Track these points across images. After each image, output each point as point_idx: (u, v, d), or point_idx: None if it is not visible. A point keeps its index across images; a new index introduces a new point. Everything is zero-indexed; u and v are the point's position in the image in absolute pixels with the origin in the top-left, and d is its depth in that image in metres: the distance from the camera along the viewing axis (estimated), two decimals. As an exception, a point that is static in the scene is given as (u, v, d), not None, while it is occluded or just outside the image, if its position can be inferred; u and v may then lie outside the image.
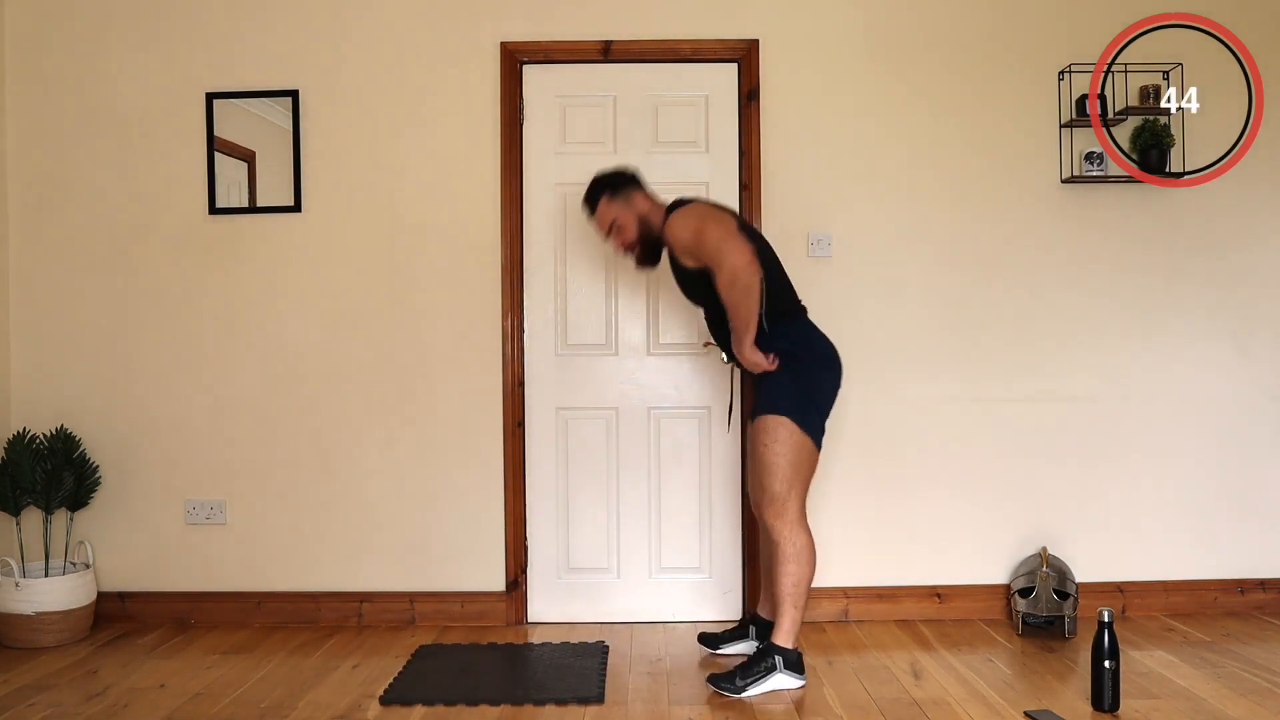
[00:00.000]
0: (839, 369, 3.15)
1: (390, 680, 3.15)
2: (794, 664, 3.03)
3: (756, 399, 3.13)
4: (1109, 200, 3.80)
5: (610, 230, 3.20)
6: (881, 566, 3.78)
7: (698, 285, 3.14)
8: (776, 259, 3.19)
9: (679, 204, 3.16)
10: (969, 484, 3.79)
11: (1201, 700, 2.91)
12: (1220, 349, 3.82)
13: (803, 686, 3.03)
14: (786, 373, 3.06)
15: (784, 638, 3.04)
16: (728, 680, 3.00)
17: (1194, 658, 3.29)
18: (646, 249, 3.21)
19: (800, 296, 3.15)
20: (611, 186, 3.19)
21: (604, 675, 3.19)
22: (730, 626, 3.59)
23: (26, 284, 3.84)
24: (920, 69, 3.79)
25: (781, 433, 3.03)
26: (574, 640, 3.54)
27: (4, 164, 3.83)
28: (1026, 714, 2.82)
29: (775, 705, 2.92)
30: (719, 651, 3.38)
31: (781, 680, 3.00)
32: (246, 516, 3.82)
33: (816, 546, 3.19)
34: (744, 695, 2.97)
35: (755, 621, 3.38)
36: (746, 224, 3.22)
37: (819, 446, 3.10)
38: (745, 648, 3.34)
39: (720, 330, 3.18)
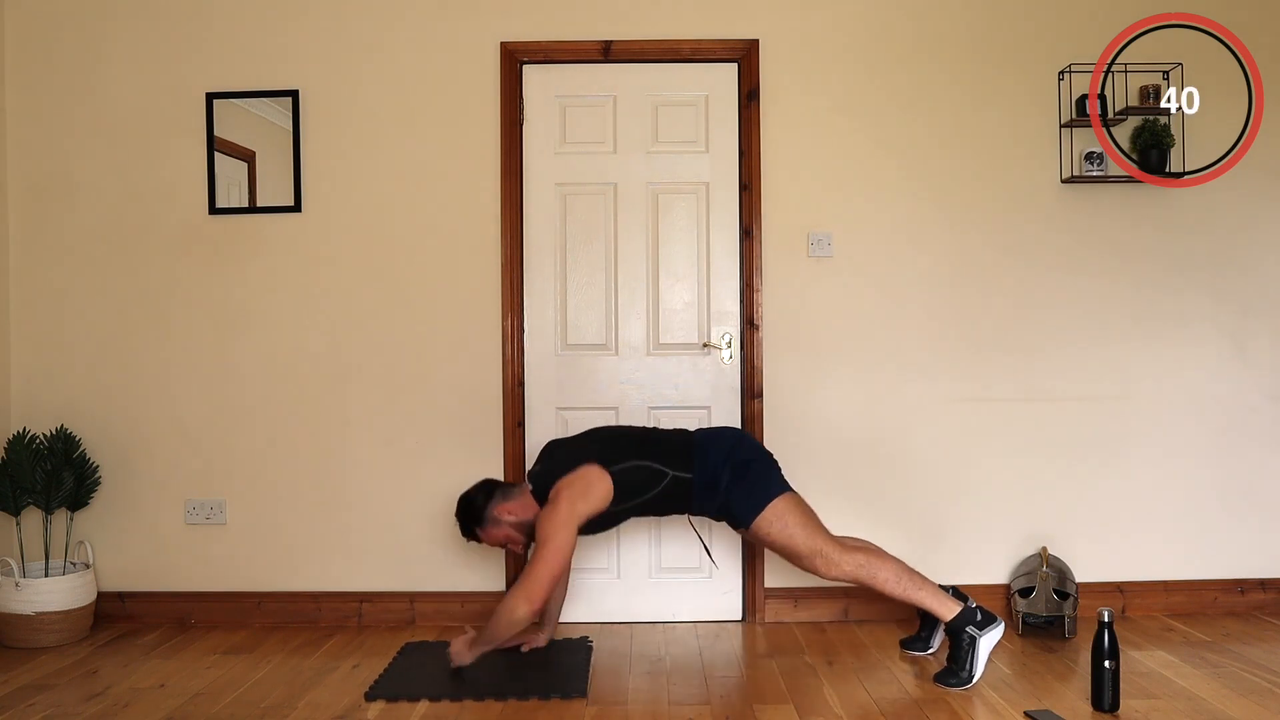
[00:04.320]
0: (744, 435, 3.32)
1: (376, 677, 3.16)
2: (981, 620, 3.08)
3: (733, 513, 3.21)
4: (1109, 200, 3.80)
5: (503, 545, 3.29)
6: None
7: (609, 521, 3.22)
8: (643, 432, 3.31)
9: (543, 482, 3.21)
10: (969, 484, 3.79)
11: (1201, 700, 2.91)
12: (1220, 348, 3.82)
13: (1001, 626, 3.10)
14: (728, 473, 3.19)
15: (947, 612, 3.11)
16: (953, 676, 3.05)
17: (1194, 658, 3.29)
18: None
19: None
20: (477, 520, 3.23)
21: (588, 671, 3.20)
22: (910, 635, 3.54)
23: (26, 284, 3.84)
24: (920, 69, 3.79)
25: (779, 510, 3.16)
26: (573, 638, 3.54)
27: (4, 164, 3.83)
28: (1026, 714, 2.82)
29: (774, 705, 2.93)
30: (925, 654, 3.38)
31: (987, 641, 3.06)
32: (246, 516, 3.82)
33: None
34: (975, 678, 3.03)
35: (925, 621, 3.41)
36: (614, 470, 3.17)
37: (794, 490, 3.26)
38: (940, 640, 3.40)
39: (660, 508, 3.27)
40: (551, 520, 3.05)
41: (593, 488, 3.12)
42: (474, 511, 3.22)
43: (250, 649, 3.51)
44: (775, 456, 3.38)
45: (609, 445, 3.24)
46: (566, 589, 3.53)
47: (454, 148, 3.79)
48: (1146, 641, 3.47)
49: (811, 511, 3.23)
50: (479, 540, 3.27)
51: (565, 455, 3.24)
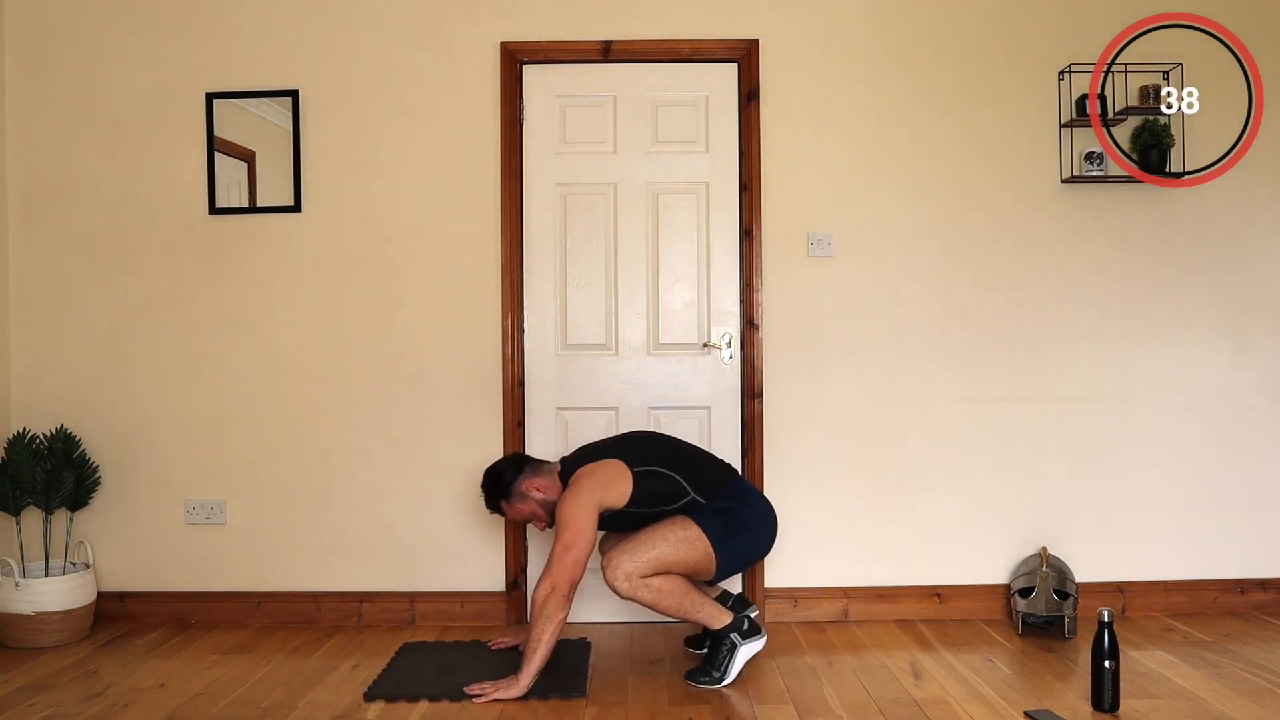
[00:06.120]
0: (773, 529, 3.23)
1: (375, 677, 3.17)
2: (748, 631, 3.13)
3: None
4: (1109, 200, 3.80)
5: (526, 521, 3.31)
6: (881, 566, 3.78)
7: (614, 522, 3.19)
8: (685, 447, 3.30)
9: (570, 467, 3.21)
10: (969, 484, 3.79)
11: (1201, 700, 2.91)
12: (1220, 348, 3.82)
13: (765, 640, 3.18)
14: (721, 517, 3.11)
15: (716, 621, 3.12)
16: (704, 674, 3.10)
17: (1194, 658, 3.29)
18: None
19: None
20: (503, 493, 3.23)
21: (587, 671, 3.21)
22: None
23: (26, 284, 3.84)
24: (920, 69, 3.79)
25: (692, 536, 3.06)
26: (572, 639, 3.54)
27: (4, 164, 3.83)
28: (1026, 714, 2.82)
29: (774, 705, 2.93)
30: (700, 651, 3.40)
31: (746, 650, 3.12)
32: (246, 516, 3.82)
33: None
34: (728, 679, 3.09)
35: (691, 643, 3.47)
36: (637, 470, 3.13)
37: (717, 576, 3.15)
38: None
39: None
40: (570, 505, 3.05)
41: (613, 482, 3.11)
42: (501, 485, 3.24)
43: (250, 649, 3.51)
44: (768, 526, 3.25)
45: (638, 446, 3.25)
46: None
47: (454, 148, 3.79)
48: (1146, 641, 3.47)
49: (680, 567, 3.08)
50: (502, 514, 3.28)
51: (596, 447, 3.28)
